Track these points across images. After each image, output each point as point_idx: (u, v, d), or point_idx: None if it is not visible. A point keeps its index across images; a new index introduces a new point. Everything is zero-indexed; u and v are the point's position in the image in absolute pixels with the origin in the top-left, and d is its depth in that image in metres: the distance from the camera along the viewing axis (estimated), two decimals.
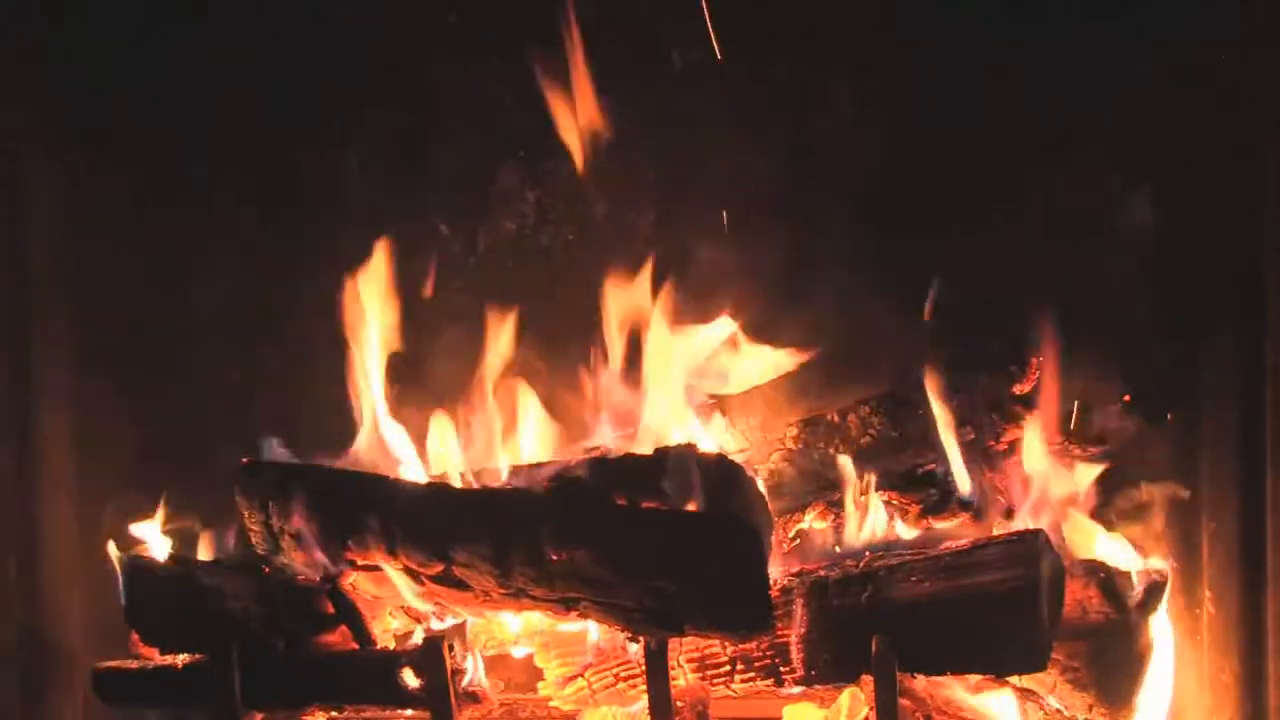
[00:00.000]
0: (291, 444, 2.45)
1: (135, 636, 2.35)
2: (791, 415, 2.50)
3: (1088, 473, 2.42)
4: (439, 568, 2.19)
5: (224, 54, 2.71)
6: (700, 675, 2.25)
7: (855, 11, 2.58)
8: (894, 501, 2.39)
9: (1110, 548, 2.41)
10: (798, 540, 2.43)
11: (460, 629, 2.38)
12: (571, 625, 2.33)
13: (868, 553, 2.23)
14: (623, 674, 2.32)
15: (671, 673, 2.17)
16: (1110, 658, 2.29)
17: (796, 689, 2.24)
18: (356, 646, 2.31)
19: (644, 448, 2.38)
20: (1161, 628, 2.34)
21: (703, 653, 2.25)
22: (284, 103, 2.72)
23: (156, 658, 2.33)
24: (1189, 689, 2.51)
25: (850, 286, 2.57)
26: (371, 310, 2.55)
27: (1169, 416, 2.46)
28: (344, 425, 2.53)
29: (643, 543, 2.10)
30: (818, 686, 2.24)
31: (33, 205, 2.70)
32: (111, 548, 2.33)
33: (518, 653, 2.47)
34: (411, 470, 2.49)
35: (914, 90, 2.57)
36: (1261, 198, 2.39)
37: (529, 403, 2.61)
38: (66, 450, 2.72)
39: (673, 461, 2.20)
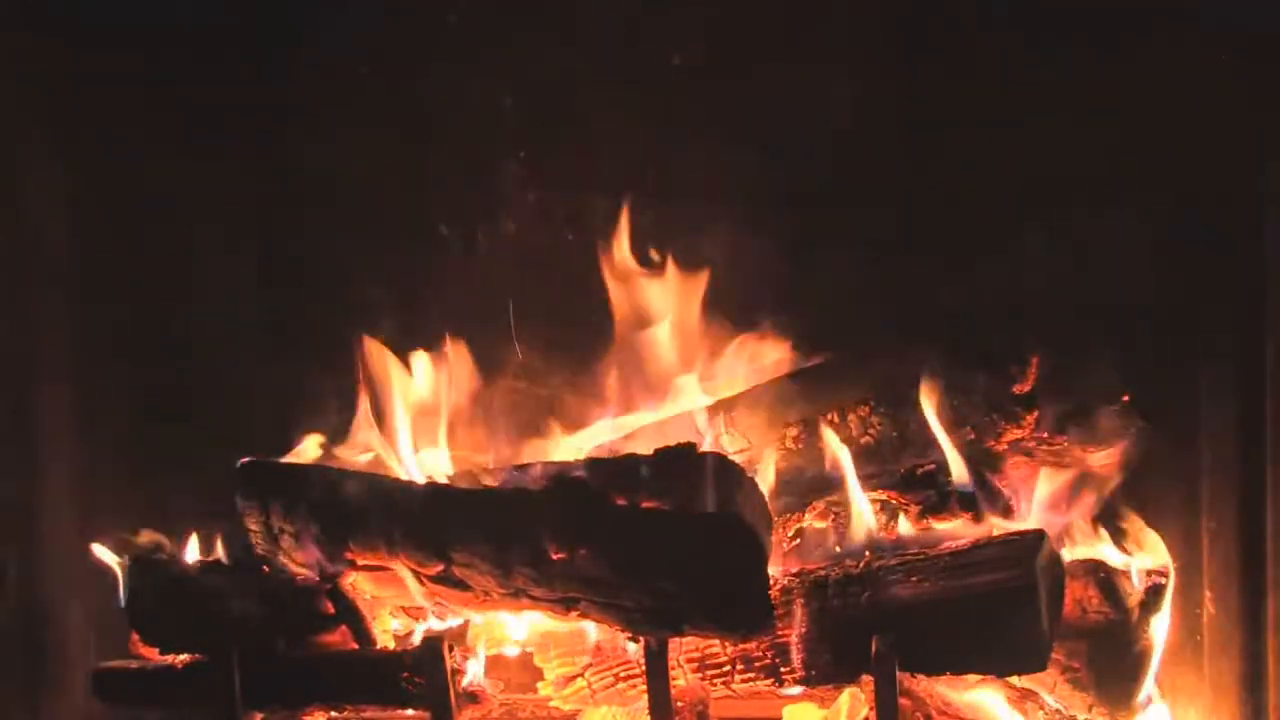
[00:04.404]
0: (292, 444, 2.46)
1: (135, 636, 2.35)
2: (791, 415, 2.50)
3: (1088, 472, 2.43)
4: (439, 568, 2.19)
5: (225, 52, 2.71)
6: (700, 675, 2.25)
7: (859, 9, 2.58)
8: (894, 501, 2.39)
9: (1110, 548, 2.41)
10: (798, 540, 2.43)
11: (460, 629, 2.38)
12: (572, 625, 2.33)
13: (868, 553, 2.23)
14: (623, 674, 2.32)
15: (671, 673, 2.17)
16: (1110, 658, 2.29)
17: (796, 689, 2.24)
18: (356, 646, 2.31)
19: (644, 448, 2.38)
20: (1161, 628, 2.35)
21: (703, 653, 2.25)
22: (285, 101, 2.72)
23: (156, 658, 2.33)
24: (1189, 689, 2.52)
25: (851, 286, 2.57)
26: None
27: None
28: (345, 425, 2.53)
29: (643, 543, 2.10)
30: (818, 686, 2.24)
31: (32, 203, 2.69)
32: (113, 548, 2.33)
33: (517, 653, 2.47)
34: (411, 470, 2.49)
35: (917, 90, 2.57)
36: (1263, 196, 2.39)
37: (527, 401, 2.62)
38: (67, 449, 2.72)
39: (673, 461, 2.20)
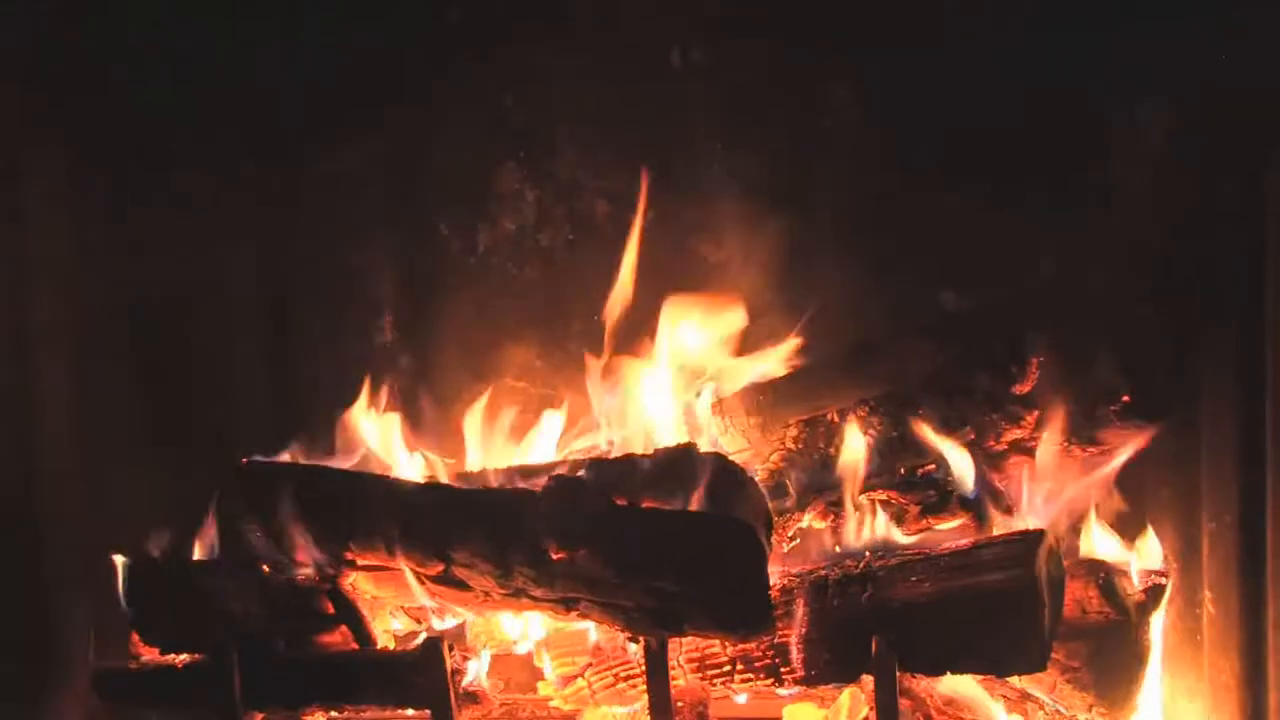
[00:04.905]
0: (293, 444, 2.46)
1: (135, 636, 2.35)
2: (791, 415, 2.50)
3: (1088, 472, 2.43)
4: (439, 568, 2.19)
5: (226, 52, 2.72)
6: (700, 675, 2.25)
7: (856, 10, 2.58)
8: (894, 501, 2.39)
9: (1110, 548, 2.41)
10: (798, 540, 2.43)
11: (460, 629, 2.38)
12: (572, 625, 2.33)
13: (868, 553, 2.22)
14: (623, 674, 2.32)
15: (671, 673, 2.17)
16: (1110, 658, 2.29)
17: (796, 689, 2.24)
18: (356, 646, 2.31)
19: (644, 448, 2.38)
20: (1161, 628, 2.35)
21: (703, 653, 2.25)
22: (286, 100, 2.72)
23: (156, 658, 2.33)
24: (1189, 689, 2.52)
25: (851, 285, 2.58)
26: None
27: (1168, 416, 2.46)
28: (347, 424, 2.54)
29: (643, 543, 2.10)
30: (818, 686, 2.24)
31: (33, 201, 2.69)
32: (112, 548, 2.33)
33: (518, 653, 2.47)
34: (412, 470, 2.49)
35: (914, 89, 2.57)
36: (1263, 196, 2.39)
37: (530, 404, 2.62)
38: (67, 449, 2.72)
39: (672, 461, 2.20)
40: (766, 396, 2.52)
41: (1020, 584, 2.07)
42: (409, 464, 2.51)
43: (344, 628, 2.31)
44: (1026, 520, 2.35)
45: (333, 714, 2.30)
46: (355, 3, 2.72)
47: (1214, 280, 2.46)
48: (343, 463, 2.45)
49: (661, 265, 2.62)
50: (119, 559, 2.32)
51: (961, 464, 2.36)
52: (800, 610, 2.17)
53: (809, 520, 2.42)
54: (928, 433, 2.38)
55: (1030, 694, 2.30)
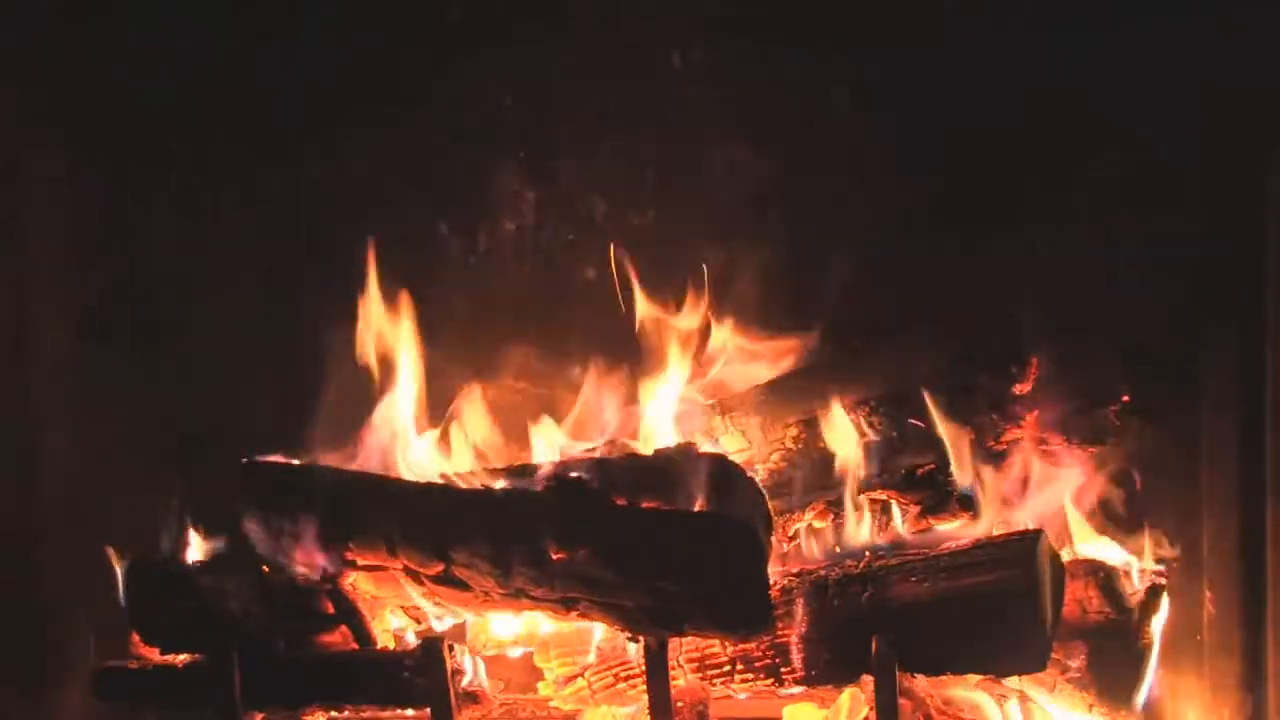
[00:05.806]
0: (293, 443, 2.45)
1: (135, 636, 2.35)
2: (791, 415, 2.50)
3: (1088, 473, 2.43)
4: (439, 568, 2.19)
5: (226, 52, 2.71)
6: (700, 675, 2.25)
7: (856, 10, 2.58)
8: (894, 501, 2.39)
9: (1110, 548, 2.41)
10: (797, 540, 2.43)
11: (460, 629, 2.38)
12: (572, 625, 2.33)
13: (868, 553, 2.23)
14: (623, 674, 2.32)
15: (671, 673, 2.17)
16: (1110, 658, 2.29)
17: (797, 689, 2.24)
18: (356, 646, 2.31)
19: (644, 448, 2.38)
20: (1161, 628, 2.35)
21: (703, 653, 2.25)
22: (286, 100, 2.72)
23: (156, 658, 2.33)
24: (1189, 689, 2.52)
25: (851, 286, 2.57)
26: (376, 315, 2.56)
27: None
28: (346, 425, 2.53)
29: (643, 543, 2.10)
30: (818, 686, 2.24)
31: (33, 201, 2.69)
32: (112, 549, 2.33)
33: (517, 653, 2.47)
34: (412, 470, 2.49)
35: (915, 90, 2.57)
36: (1263, 196, 2.39)
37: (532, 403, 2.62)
38: (67, 449, 2.72)
39: (672, 461, 2.20)
40: (766, 396, 2.52)
41: (1020, 584, 2.07)
42: (410, 464, 2.50)
43: (344, 628, 2.31)
44: (1026, 520, 2.35)
45: (333, 714, 2.30)
46: (355, 3, 2.72)
47: (1214, 280, 2.46)
48: (343, 462, 2.45)
49: (660, 267, 2.62)
50: (119, 559, 2.32)
51: (961, 463, 2.36)
52: (800, 610, 2.17)
53: (809, 520, 2.42)
54: (928, 432, 2.38)
55: (1030, 694, 2.30)
